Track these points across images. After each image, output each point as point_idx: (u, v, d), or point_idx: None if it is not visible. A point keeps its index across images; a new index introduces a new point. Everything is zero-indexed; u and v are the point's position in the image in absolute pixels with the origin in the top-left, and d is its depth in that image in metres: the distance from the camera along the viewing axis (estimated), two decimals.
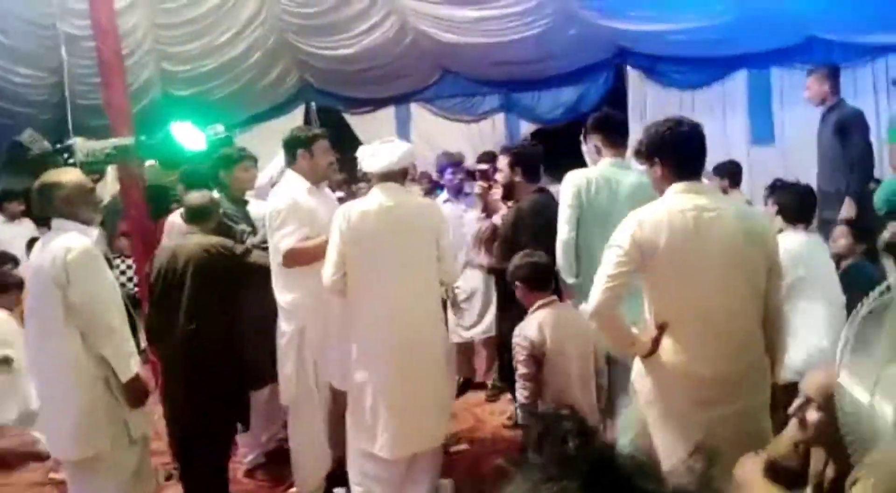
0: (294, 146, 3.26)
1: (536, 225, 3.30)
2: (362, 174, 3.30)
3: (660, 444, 2.25)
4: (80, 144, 3.63)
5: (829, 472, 1.79)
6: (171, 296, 3.20)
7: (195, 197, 3.33)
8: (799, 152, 6.31)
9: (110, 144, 3.64)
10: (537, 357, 2.91)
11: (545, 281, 3.03)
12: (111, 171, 5.62)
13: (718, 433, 2.11)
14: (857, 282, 3.34)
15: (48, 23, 6.47)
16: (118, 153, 3.69)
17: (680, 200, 2.26)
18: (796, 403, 1.85)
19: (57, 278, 2.69)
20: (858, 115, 4.37)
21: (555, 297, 3.04)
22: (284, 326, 3.21)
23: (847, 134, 4.28)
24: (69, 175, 2.93)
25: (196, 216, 3.29)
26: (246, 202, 3.76)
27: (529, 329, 2.93)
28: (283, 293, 3.19)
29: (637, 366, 2.39)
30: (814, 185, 4.04)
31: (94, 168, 3.93)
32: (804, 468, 1.88)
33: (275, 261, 3.16)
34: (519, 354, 2.94)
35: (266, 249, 3.25)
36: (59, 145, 3.64)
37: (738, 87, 6.66)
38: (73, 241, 2.74)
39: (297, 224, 3.10)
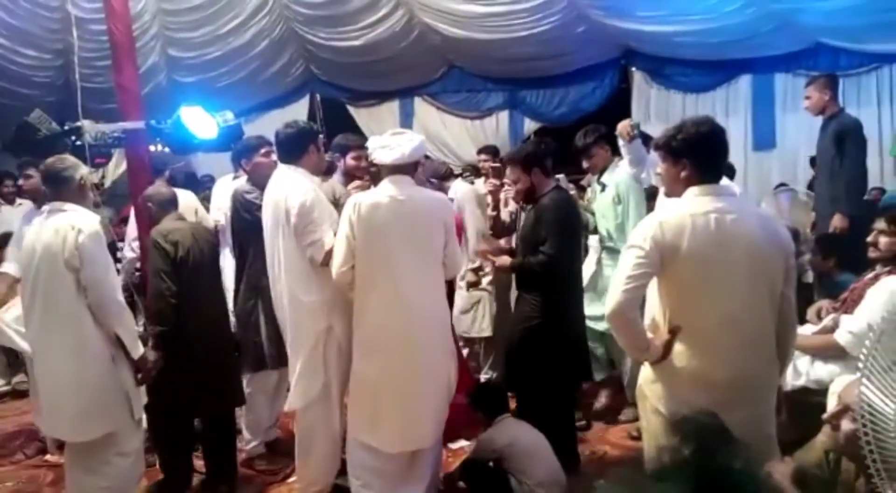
0: (307, 141, 3.20)
1: (559, 220, 3.28)
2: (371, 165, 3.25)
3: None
4: (88, 126, 3.62)
5: (861, 486, 1.78)
6: (200, 277, 3.25)
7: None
8: (800, 158, 6.40)
9: (120, 127, 3.64)
10: None
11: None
12: (116, 154, 5.60)
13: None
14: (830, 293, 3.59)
15: (54, 5, 6.47)
16: (127, 137, 3.67)
17: (701, 202, 2.23)
18: (832, 410, 1.83)
19: (69, 260, 2.70)
20: (857, 126, 4.38)
21: None
22: (309, 324, 3.11)
23: (844, 144, 4.32)
24: (78, 162, 2.95)
25: (172, 204, 3.38)
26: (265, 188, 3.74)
27: None
28: (309, 293, 3.09)
29: (646, 372, 2.37)
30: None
31: (101, 151, 3.92)
32: (834, 478, 1.87)
33: (300, 259, 3.07)
34: None
35: None
36: (66, 127, 3.62)
37: (742, 91, 6.71)
38: (81, 220, 2.75)
39: (327, 222, 3.05)
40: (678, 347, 2.24)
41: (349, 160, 3.77)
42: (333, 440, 3.20)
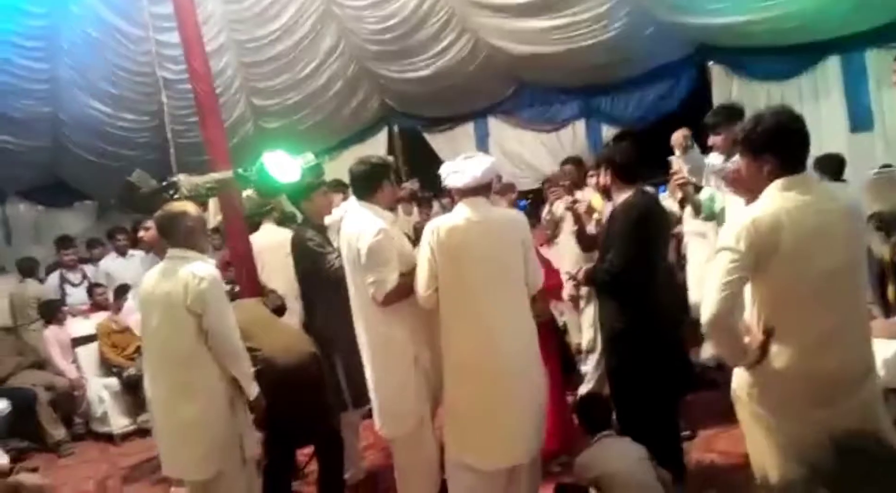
0: (378, 177, 3.29)
1: (625, 229, 3.22)
2: (445, 190, 3.31)
3: (776, 451, 2.19)
4: (183, 180, 3.86)
5: None
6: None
7: None
8: None
9: (211, 178, 3.86)
10: None
11: None
12: (213, 203, 5.95)
13: (840, 426, 2.07)
14: None
15: (147, 70, 6.98)
16: (218, 187, 3.91)
17: (793, 195, 2.13)
18: None
19: (192, 307, 2.87)
20: None
21: None
22: (394, 357, 3.16)
23: None
24: (192, 207, 3.16)
25: None
26: (325, 228, 3.88)
27: None
28: (392, 325, 3.15)
29: (742, 377, 2.28)
30: None
31: (197, 202, 4.17)
32: None
33: (368, 295, 3.15)
34: None
35: None
36: (164, 183, 3.89)
37: (831, 73, 6.36)
38: (201, 269, 2.92)
39: (394, 261, 3.10)
40: (777, 346, 2.15)
41: None
42: (430, 465, 3.26)
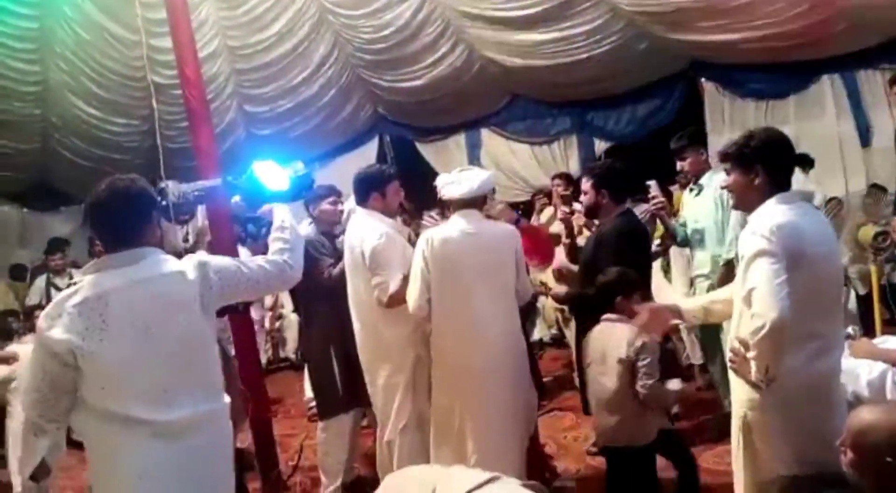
0: (380, 184, 3.31)
1: (618, 250, 3.19)
2: (440, 201, 3.32)
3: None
4: (171, 186, 3.83)
5: None
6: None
7: None
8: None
9: (199, 186, 3.83)
10: None
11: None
12: (201, 210, 5.91)
13: None
14: None
15: (139, 75, 6.94)
16: (207, 194, 3.86)
17: (799, 206, 2.23)
18: None
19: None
20: None
21: None
22: (396, 357, 3.20)
23: None
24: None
25: None
26: (335, 236, 3.87)
27: None
28: (394, 326, 3.18)
29: (753, 398, 2.25)
30: None
31: (185, 209, 4.13)
32: None
33: (372, 298, 3.16)
34: None
35: None
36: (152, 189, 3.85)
37: (825, 92, 6.40)
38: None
39: (397, 265, 3.12)
40: (802, 357, 2.16)
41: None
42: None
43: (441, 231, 3.06)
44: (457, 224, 3.04)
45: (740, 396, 2.30)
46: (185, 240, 6.18)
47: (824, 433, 2.07)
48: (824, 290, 2.21)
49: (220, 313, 3.90)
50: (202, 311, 2.13)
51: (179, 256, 3.21)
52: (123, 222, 2.10)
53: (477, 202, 3.09)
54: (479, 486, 1.40)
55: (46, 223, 8.60)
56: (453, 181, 3.08)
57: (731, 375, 2.32)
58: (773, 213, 2.20)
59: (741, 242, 2.27)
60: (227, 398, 2.20)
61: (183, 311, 2.07)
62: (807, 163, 5.30)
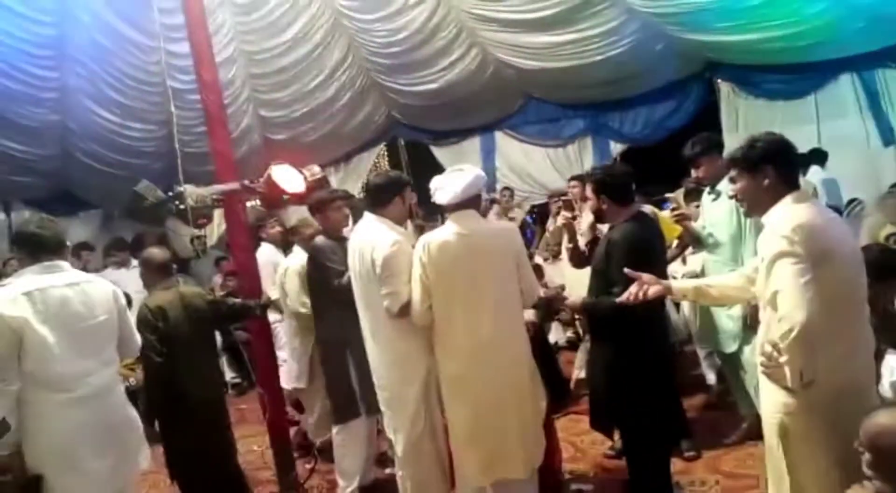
0: (394, 190, 3.25)
1: (629, 258, 2.94)
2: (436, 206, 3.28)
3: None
4: (189, 191, 3.85)
5: None
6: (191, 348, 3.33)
7: None
8: None
9: (217, 189, 3.86)
10: None
11: None
12: (218, 213, 5.95)
13: None
14: None
15: (156, 80, 6.99)
16: (224, 198, 3.89)
17: (815, 204, 2.22)
18: None
19: None
20: None
21: None
22: (408, 368, 3.15)
23: None
24: None
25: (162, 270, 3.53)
26: (344, 239, 3.86)
27: None
28: (406, 338, 3.12)
29: (783, 401, 2.20)
30: None
31: (203, 213, 4.15)
32: None
33: (380, 308, 3.12)
34: None
35: None
36: (170, 193, 3.88)
37: (843, 92, 6.33)
38: None
39: (408, 273, 3.06)
40: (835, 357, 2.12)
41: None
42: (443, 473, 3.25)
43: (436, 235, 3.01)
44: (451, 228, 3.00)
45: (774, 400, 2.23)
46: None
47: None
48: (850, 288, 2.18)
49: (239, 317, 3.95)
50: None
51: (185, 262, 3.25)
52: None
53: (469, 203, 3.02)
54: None
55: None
56: (441, 186, 3.03)
57: (762, 379, 2.28)
58: (791, 212, 2.18)
59: (761, 243, 2.24)
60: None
61: None
62: (820, 158, 5.26)
